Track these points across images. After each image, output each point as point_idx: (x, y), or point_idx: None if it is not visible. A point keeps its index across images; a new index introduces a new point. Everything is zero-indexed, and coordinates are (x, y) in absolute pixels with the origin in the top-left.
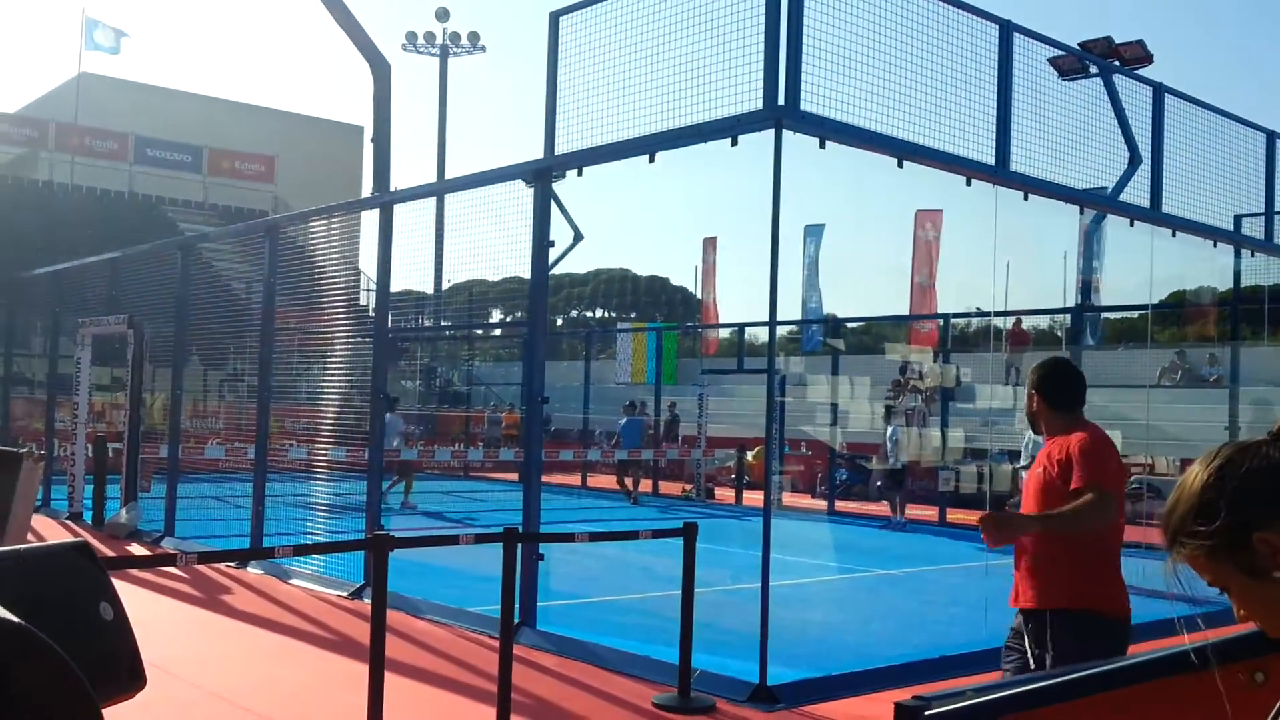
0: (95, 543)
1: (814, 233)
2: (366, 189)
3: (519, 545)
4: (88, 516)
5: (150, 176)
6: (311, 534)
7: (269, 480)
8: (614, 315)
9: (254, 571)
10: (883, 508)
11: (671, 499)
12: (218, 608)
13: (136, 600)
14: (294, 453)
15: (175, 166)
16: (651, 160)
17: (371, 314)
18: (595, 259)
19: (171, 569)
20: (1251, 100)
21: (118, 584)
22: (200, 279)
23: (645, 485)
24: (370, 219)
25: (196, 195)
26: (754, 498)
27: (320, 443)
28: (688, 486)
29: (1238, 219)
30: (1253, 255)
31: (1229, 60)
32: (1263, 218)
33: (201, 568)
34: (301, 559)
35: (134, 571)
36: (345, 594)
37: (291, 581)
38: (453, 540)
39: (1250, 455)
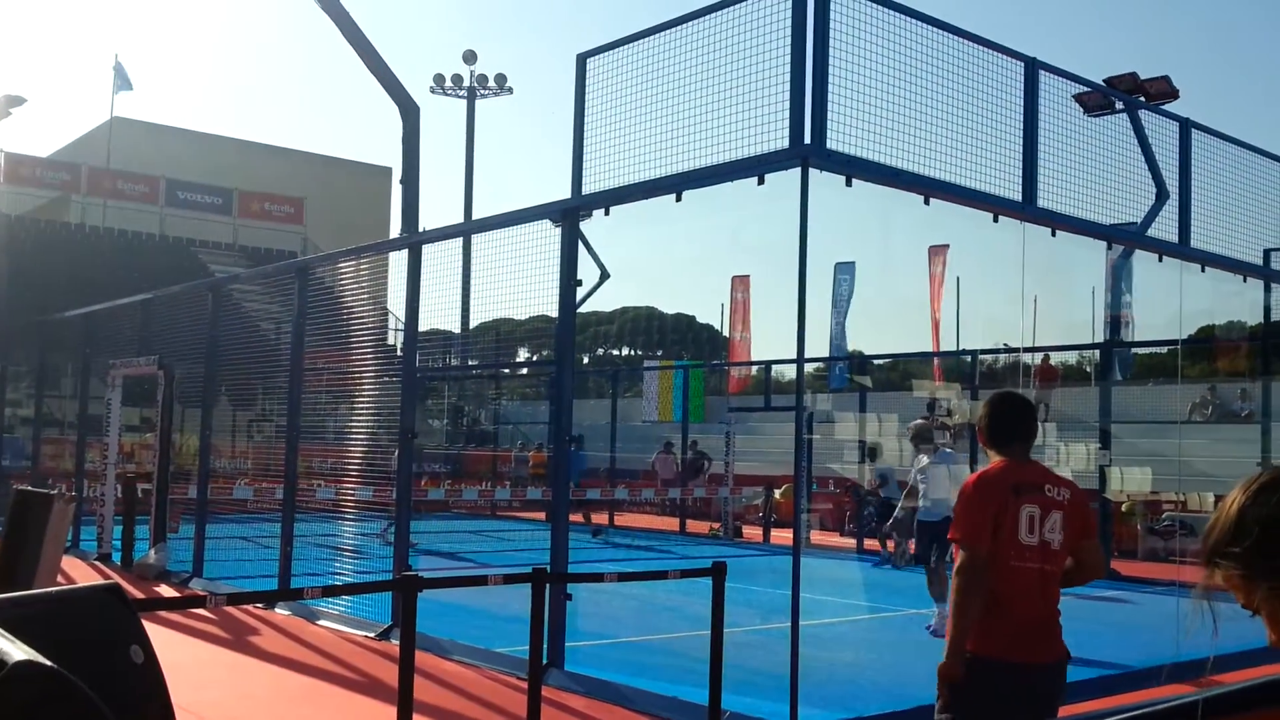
0: (125, 584)
1: (845, 270)
2: (395, 230)
3: (547, 585)
4: (116, 557)
5: (181, 219)
6: (339, 574)
7: (297, 520)
8: (640, 353)
9: (282, 612)
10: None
11: (699, 537)
12: (246, 649)
13: (165, 642)
14: (322, 493)
15: (205, 209)
16: (678, 199)
17: (399, 353)
18: (621, 297)
19: (200, 610)
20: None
21: (147, 625)
22: (230, 320)
23: (661, 523)
24: (399, 259)
25: (226, 237)
26: (782, 536)
27: (348, 483)
28: (715, 525)
29: (1267, 253)
30: None
31: (1256, 95)
32: None
33: (230, 609)
34: (329, 600)
35: (163, 613)
36: (373, 635)
37: (319, 622)
38: (481, 581)
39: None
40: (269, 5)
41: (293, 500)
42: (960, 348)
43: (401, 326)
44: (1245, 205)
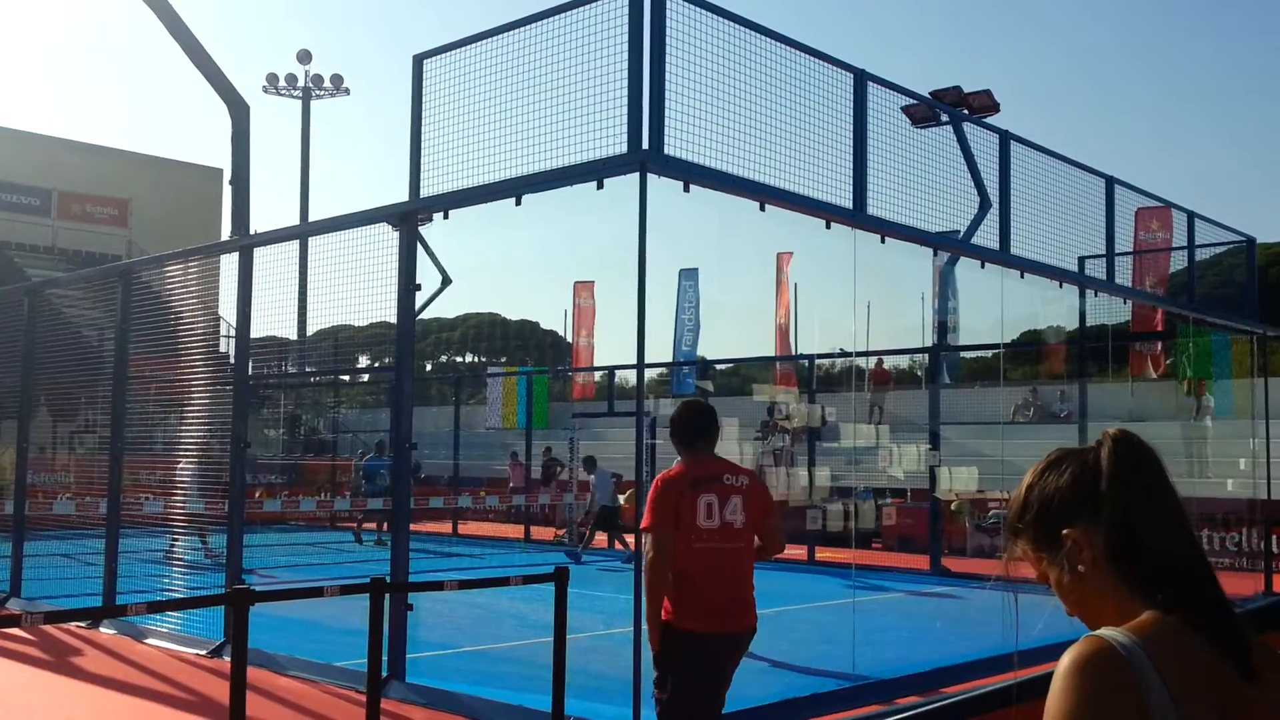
0: None
1: (689, 276)
2: (226, 233)
3: (386, 596)
4: None
5: None
6: (170, 590)
7: (124, 536)
8: (484, 360)
9: (107, 632)
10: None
11: (545, 544)
12: (67, 671)
13: None
14: (150, 506)
15: (22, 210)
16: (518, 203)
17: (231, 361)
18: (464, 303)
19: (16, 631)
20: (1092, 147)
21: None
22: (49, 326)
23: (506, 530)
24: (230, 263)
25: (45, 240)
26: (627, 541)
27: (178, 495)
28: (560, 531)
29: (1081, 260)
30: (1096, 295)
31: (1071, 108)
32: (1104, 259)
33: (49, 629)
34: (157, 617)
35: None
36: (204, 653)
37: (147, 641)
38: (317, 592)
39: (1071, 459)
40: None
41: (117, 515)
42: (798, 352)
43: (233, 333)
44: (1061, 214)
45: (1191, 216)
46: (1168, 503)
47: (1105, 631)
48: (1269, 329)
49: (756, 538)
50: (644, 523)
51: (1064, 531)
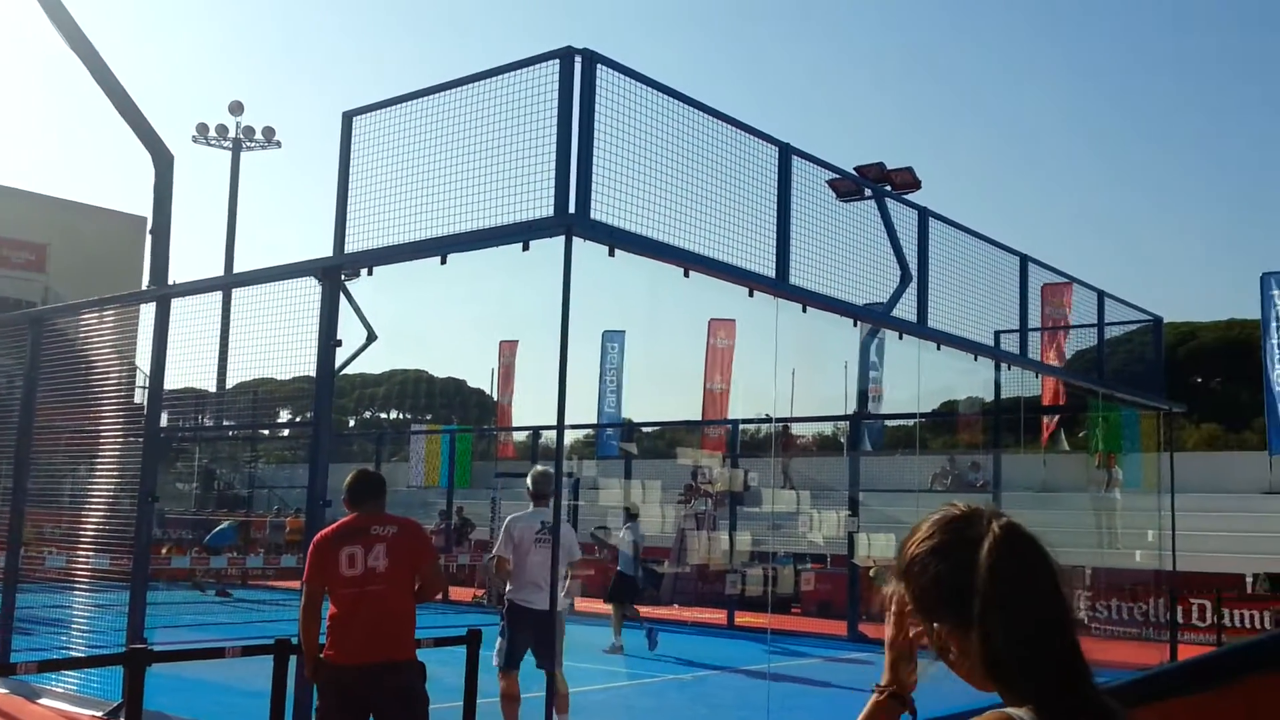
0: None
1: (613, 338)
2: (148, 282)
3: (291, 657)
4: None
5: None
6: (69, 649)
7: (24, 591)
8: (409, 416)
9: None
10: (672, 612)
11: (462, 605)
12: None
13: None
14: (52, 561)
15: None
16: (443, 262)
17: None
18: (391, 359)
19: None
20: (1006, 226)
21: None
22: None
23: None
24: (149, 313)
25: None
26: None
27: (83, 549)
28: (479, 592)
29: (997, 335)
30: (1009, 369)
31: (987, 188)
32: (1018, 334)
33: None
34: (52, 676)
35: None
36: (101, 714)
37: (40, 701)
38: (218, 653)
39: (955, 541)
40: (11, 38)
41: (16, 568)
42: (725, 417)
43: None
44: (977, 289)
45: (1101, 295)
46: (1044, 607)
47: (1015, 712)
48: (1175, 405)
49: (418, 579)
50: (305, 576)
51: (935, 625)
